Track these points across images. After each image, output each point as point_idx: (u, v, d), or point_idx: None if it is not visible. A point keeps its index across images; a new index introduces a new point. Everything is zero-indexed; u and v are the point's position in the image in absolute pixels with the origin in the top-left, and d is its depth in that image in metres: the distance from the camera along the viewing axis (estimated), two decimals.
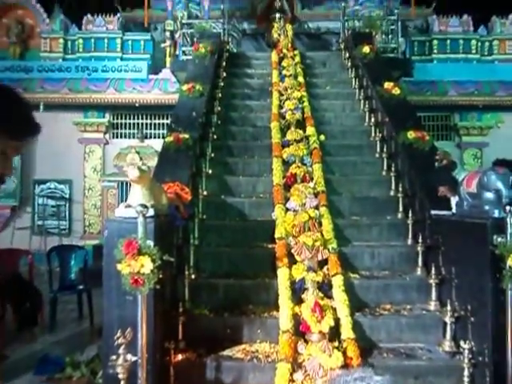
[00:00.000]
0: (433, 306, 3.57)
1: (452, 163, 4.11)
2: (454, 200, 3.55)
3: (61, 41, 9.84)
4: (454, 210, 3.54)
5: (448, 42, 9.72)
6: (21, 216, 9.82)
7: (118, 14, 10.14)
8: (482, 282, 3.00)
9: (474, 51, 9.71)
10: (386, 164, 5.10)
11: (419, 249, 3.88)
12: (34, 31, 10.02)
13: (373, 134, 5.66)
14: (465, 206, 3.34)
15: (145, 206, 2.63)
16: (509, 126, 9.52)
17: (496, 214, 2.97)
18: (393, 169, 4.89)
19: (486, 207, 3.05)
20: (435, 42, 9.74)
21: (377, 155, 5.34)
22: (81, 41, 9.82)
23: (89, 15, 9.96)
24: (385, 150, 5.27)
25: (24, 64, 9.66)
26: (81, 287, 5.51)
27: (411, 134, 4.66)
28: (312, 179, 4.61)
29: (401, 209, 4.54)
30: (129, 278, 2.49)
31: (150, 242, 2.62)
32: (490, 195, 3.06)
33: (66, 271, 5.57)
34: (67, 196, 9.86)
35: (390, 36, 8.77)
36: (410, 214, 4.23)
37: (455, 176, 3.87)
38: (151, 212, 2.79)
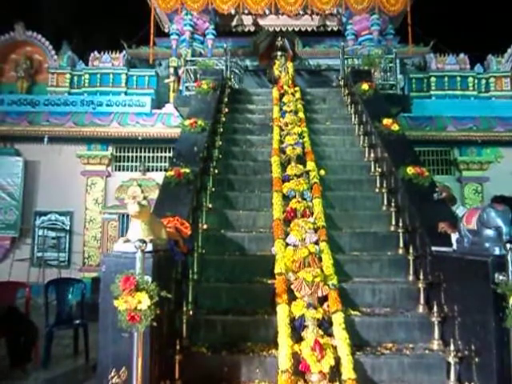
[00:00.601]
0: (436, 345, 3.49)
1: (452, 197, 4.14)
2: (454, 236, 3.54)
3: (67, 76, 10.13)
4: (454, 247, 3.53)
5: (445, 79, 9.98)
6: (20, 247, 9.78)
7: (124, 51, 10.47)
8: (484, 320, 2.94)
9: (471, 88, 9.95)
10: (386, 199, 5.12)
11: (420, 285, 3.84)
12: (41, 66, 10.36)
13: (372, 169, 5.71)
14: (465, 243, 3.32)
15: (143, 241, 2.63)
16: (508, 161, 9.61)
17: (497, 251, 2.95)
18: (393, 204, 4.89)
19: (487, 244, 3.04)
20: (433, 79, 10.00)
21: (377, 190, 5.37)
22: (87, 76, 10.11)
23: (96, 52, 10.30)
24: (384, 185, 5.30)
25: (31, 98, 9.90)
26: (77, 322, 5.41)
27: (410, 170, 4.69)
28: (312, 214, 4.60)
29: (401, 244, 4.51)
30: (125, 315, 2.46)
31: (148, 278, 2.60)
32: (490, 232, 3.05)
33: (63, 305, 5.48)
34: (68, 228, 9.85)
35: (388, 73, 8.96)
36: (411, 250, 4.20)
37: (455, 212, 3.88)
38: (150, 247, 2.79)
